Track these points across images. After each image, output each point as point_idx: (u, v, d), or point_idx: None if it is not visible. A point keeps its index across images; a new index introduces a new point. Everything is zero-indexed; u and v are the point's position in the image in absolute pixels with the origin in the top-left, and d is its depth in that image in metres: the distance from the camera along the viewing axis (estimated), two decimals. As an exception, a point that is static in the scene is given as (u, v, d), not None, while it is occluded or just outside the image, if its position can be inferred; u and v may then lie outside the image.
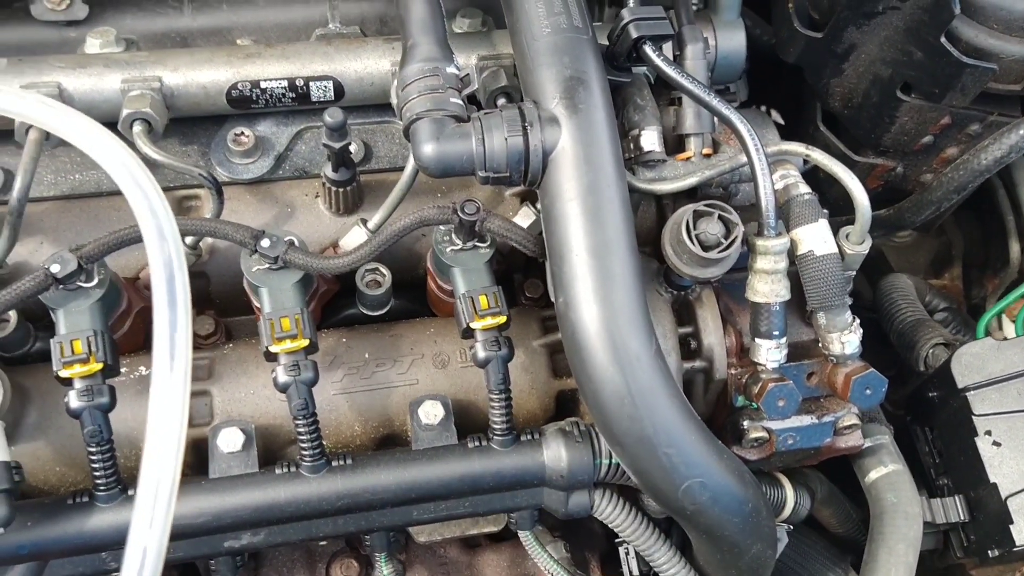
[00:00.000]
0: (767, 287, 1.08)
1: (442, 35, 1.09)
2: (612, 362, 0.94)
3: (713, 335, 1.17)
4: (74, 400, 0.98)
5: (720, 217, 1.06)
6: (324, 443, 1.09)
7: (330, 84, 1.20)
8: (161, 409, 0.68)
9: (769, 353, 1.10)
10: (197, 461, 1.12)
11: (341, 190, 1.18)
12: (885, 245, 1.93)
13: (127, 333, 1.12)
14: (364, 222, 1.18)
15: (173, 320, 0.70)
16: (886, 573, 1.20)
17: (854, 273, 1.17)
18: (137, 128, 1.11)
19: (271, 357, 1.03)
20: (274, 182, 1.24)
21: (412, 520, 1.10)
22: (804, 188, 1.12)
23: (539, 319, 1.23)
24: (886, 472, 1.26)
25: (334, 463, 1.06)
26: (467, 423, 1.15)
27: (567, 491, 1.11)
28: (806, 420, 1.16)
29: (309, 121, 1.25)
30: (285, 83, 1.19)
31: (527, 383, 1.19)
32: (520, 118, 1.00)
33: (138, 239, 0.92)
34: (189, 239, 1.14)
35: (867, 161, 1.39)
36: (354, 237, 1.17)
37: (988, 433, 1.27)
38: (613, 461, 1.10)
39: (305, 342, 1.02)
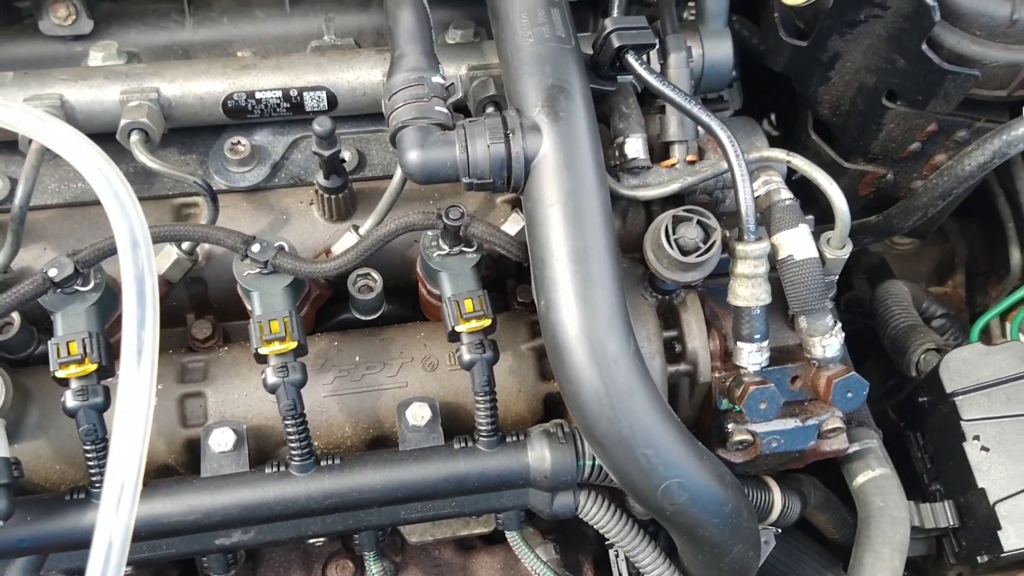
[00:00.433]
0: (748, 291, 1.09)
1: (429, 46, 1.12)
2: (591, 364, 0.96)
3: (697, 339, 1.19)
4: (70, 400, 1.01)
5: (699, 222, 1.08)
6: (315, 444, 1.12)
7: (323, 94, 1.23)
8: (127, 406, 0.71)
9: (751, 356, 1.12)
10: (192, 460, 1.15)
11: (333, 197, 1.21)
12: (888, 253, 1.93)
13: (125, 336, 1.15)
14: (356, 228, 1.21)
15: (141, 318, 0.73)
16: (872, 577, 1.21)
17: (836, 278, 1.18)
18: (135, 137, 1.15)
19: (261, 359, 1.06)
20: (270, 190, 1.27)
21: (400, 519, 1.13)
22: (786, 194, 1.14)
23: (528, 323, 1.25)
24: (873, 476, 1.27)
25: (323, 463, 1.09)
26: (455, 425, 1.17)
27: (551, 492, 1.13)
28: (790, 423, 1.17)
29: (304, 130, 1.28)
30: (280, 93, 1.22)
31: (515, 386, 1.21)
32: (502, 126, 1.03)
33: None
34: (186, 245, 1.18)
35: (857, 168, 1.40)
36: (345, 242, 1.20)
37: (976, 438, 1.28)
38: (596, 463, 1.11)
39: (293, 344, 1.05)
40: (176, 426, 1.14)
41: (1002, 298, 1.80)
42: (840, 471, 1.33)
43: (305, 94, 1.23)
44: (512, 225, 1.24)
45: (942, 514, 1.31)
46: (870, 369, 1.80)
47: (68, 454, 1.12)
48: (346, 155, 1.25)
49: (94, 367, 1.01)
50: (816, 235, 1.15)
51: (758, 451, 1.17)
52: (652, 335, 1.18)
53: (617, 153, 1.21)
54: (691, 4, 1.43)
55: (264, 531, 1.09)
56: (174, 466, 1.15)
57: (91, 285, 1.06)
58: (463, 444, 1.11)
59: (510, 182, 1.04)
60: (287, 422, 1.05)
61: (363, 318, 1.24)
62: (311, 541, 1.24)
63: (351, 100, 1.25)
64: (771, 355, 1.15)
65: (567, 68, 1.06)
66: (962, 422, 1.28)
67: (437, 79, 1.09)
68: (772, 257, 1.11)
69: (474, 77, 1.25)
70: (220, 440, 1.09)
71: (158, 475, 1.13)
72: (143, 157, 1.14)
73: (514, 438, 1.13)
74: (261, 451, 1.15)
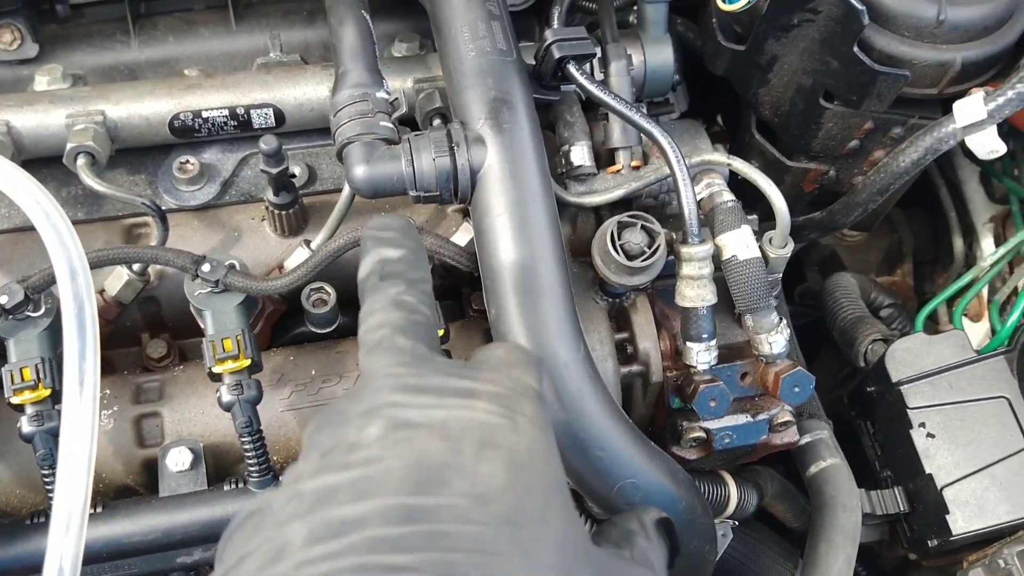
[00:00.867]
0: (694, 292, 1.12)
1: (372, 61, 1.13)
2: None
3: (648, 340, 1.21)
4: (26, 425, 1.02)
5: (643, 227, 1.10)
6: (274, 458, 1.13)
7: (271, 111, 1.24)
8: (71, 435, 0.72)
9: (699, 356, 1.14)
10: (150, 481, 1.15)
11: (284, 213, 1.22)
12: (839, 245, 1.97)
13: (79, 359, 1.15)
14: (307, 243, 1.22)
15: (82, 350, 0.74)
16: (826, 565, 1.24)
17: (780, 276, 1.21)
18: (81, 161, 1.15)
19: (215, 378, 1.07)
20: (221, 207, 1.28)
21: (361, 530, 1.14)
22: (728, 196, 1.17)
23: (482, 331, 1.27)
24: (825, 466, 1.30)
25: (281, 478, 1.10)
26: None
27: (510, 496, 1.15)
28: (741, 419, 1.19)
29: (254, 147, 1.28)
30: (226, 112, 1.23)
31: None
32: (447, 139, 1.04)
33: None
34: (137, 266, 1.18)
35: (800, 166, 1.43)
36: (297, 258, 1.21)
37: (922, 425, 1.31)
38: (553, 465, 1.13)
39: (247, 362, 1.06)
40: (133, 447, 1.14)
41: (948, 285, 1.85)
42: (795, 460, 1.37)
43: (252, 112, 1.24)
44: (464, 234, 1.25)
45: (892, 500, 1.35)
46: (824, 359, 1.84)
47: (28, 478, 1.12)
48: (296, 170, 1.26)
49: (48, 392, 1.02)
50: (759, 234, 1.18)
51: (712, 447, 1.19)
52: (604, 338, 1.20)
53: (563, 161, 1.23)
54: (635, 9, 1.46)
55: (225, 548, 1.09)
56: (133, 486, 1.15)
57: (42, 310, 1.06)
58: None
59: (457, 194, 1.06)
60: (243, 439, 1.06)
61: (318, 331, 1.25)
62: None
63: (299, 116, 1.26)
64: (720, 352, 1.17)
65: (509, 80, 1.08)
66: (908, 410, 1.32)
67: (381, 94, 1.10)
68: (717, 258, 1.14)
69: (420, 90, 1.26)
70: (177, 459, 1.10)
71: (117, 496, 1.14)
72: (90, 180, 1.14)
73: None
74: (220, 468, 1.16)
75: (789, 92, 1.32)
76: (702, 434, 1.19)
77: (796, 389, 1.15)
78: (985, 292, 1.69)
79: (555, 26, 1.25)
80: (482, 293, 1.33)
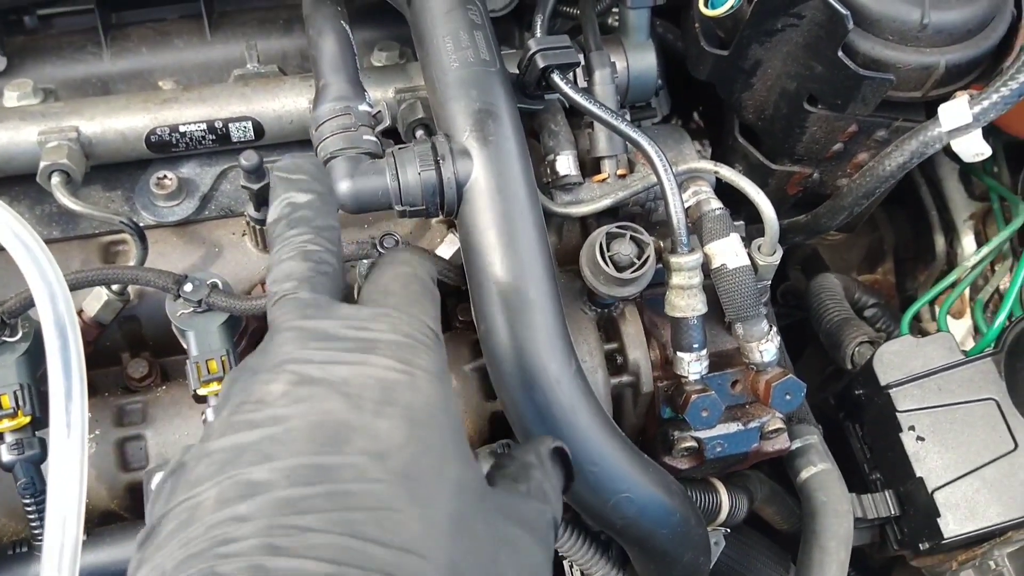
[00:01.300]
0: (683, 302, 1.11)
1: (353, 73, 1.11)
2: (533, 385, 0.97)
3: (638, 350, 1.20)
4: (5, 454, 0.99)
5: (632, 238, 1.09)
6: (261, 479, 1.11)
7: (249, 124, 1.22)
8: (60, 474, 0.70)
9: (690, 365, 1.14)
10: (135, 504, 1.13)
11: (265, 228, 1.19)
12: (820, 244, 1.98)
13: (58, 382, 1.12)
14: (290, 258, 1.19)
15: (68, 389, 0.72)
16: (820, 571, 1.24)
17: (769, 283, 1.21)
18: (56, 179, 1.12)
19: (200, 399, 1.05)
20: (200, 223, 1.25)
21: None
22: (716, 204, 1.16)
23: (469, 343, 1.25)
24: (816, 472, 1.30)
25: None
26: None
27: (502, 512, 1.13)
28: (733, 427, 1.19)
29: (232, 161, 1.26)
30: (204, 126, 1.20)
31: (460, 407, 1.21)
32: (432, 152, 1.02)
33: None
34: (116, 285, 1.15)
35: (784, 169, 1.43)
36: (279, 274, 1.18)
37: (912, 428, 1.31)
38: (545, 480, 1.12)
39: (232, 383, 1.03)
40: (116, 471, 1.12)
41: (929, 283, 1.86)
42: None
43: (231, 125, 1.21)
44: (448, 246, 1.23)
45: (883, 504, 1.35)
46: (809, 359, 1.84)
47: (8, 506, 1.09)
48: (276, 184, 1.24)
49: (27, 419, 0.99)
50: (747, 241, 1.18)
51: (703, 456, 1.19)
52: (593, 349, 1.19)
53: (549, 171, 1.21)
54: (615, 12, 1.45)
55: (214, 573, 1.07)
56: (117, 511, 1.13)
57: (19, 335, 1.03)
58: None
59: (443, 207, 1.04)
60: (231, 462, 1.04)
61: (303, 347, 1.23)
62: None
63: (278, 128, 1.24)
64: (710, 360, 1.17)
65: (493, 91, 1.06)
66: (897, 413, 1.32)
67: (364, 107, 1.08)
68: (706, 266, 1.13)
69: (402, 100, 1.24)
70: (163, 484, 1.07)
71: (102, 522, 1.11)
72: (65, 200, 1.11)
73: (462, 461, 1.13)
74: (206, 491, 1.14)
75: (773, 96, 1.31)
76: (694, 444, 1.18)
77: (787, 397, 1.15)
78: (967, 290, 1.70)
79: (538, 34, 1.23)
80: (468, 304, 1.32)
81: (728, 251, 1.12)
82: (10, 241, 0.75)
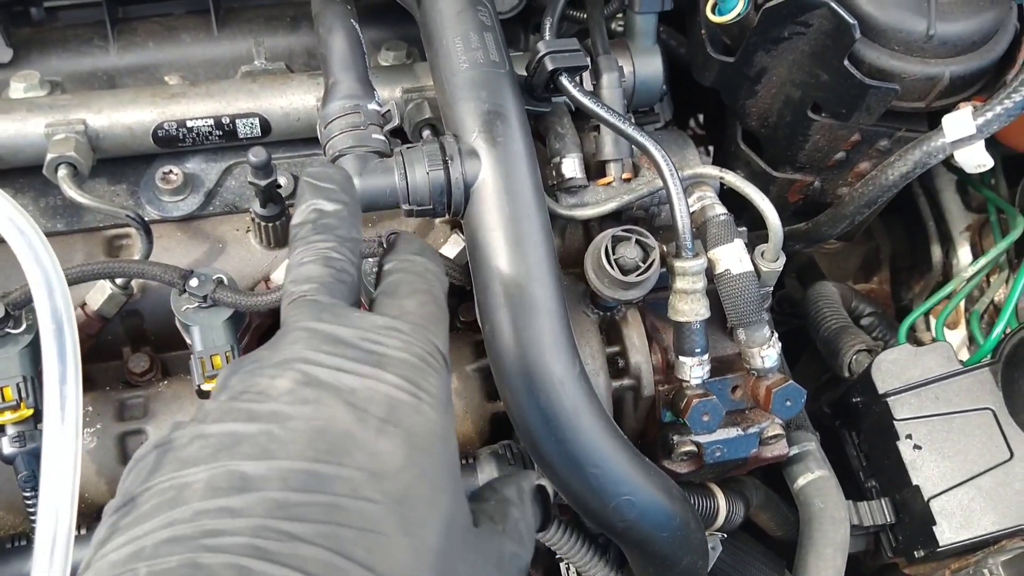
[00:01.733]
0: (687, 306, 1.12)
1: (363, 72, 1.12)
2: (537, 387, 0.97)
3: (640, 353, 1.20)
4: (6, 447, 0.99)
5: (637, 241, 1.10)
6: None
7: (256, 121, 1.22)
8: (54, 462, 0.70)
9: (692, 370, 1.14)
10: (135, 500, 1.13)
11: (271, 225, 1.19)
12: (817, 252, 1.99)
13: (60, 375, 1.12)
14: (295, 256, 1.20)
15: (63, 374, 0.71)
16: (815, 577, 1.25)
17: (771, 289, 1.21)
18: (62, 172, 1.12)
19: (203, 395, 1.05)
20: (205, 218, 1.25)
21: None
22: (720, 209, 1.17)
23: (472, 343, 1.26)
24: (813, 478, 1.31)
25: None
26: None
27: (502, 512, 1.14)
28: (732, 432, 1.19)
29: (237, 157, 1.26)
30: (211, 121, 1.20)
31: (461, 407, 1.21)
32: (441, 152, 1.03)
33: (72, 281, 0.94)
34: (120, 279, 1.15)
35: (786, 177, 1.43)
36: (284, 271, 1.18)
37: (909, 437, 1.32)
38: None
39: (236, 379, 1.03)
40: (117, 465, 1.11)
41: (925, 293, 1.87)
42: (779, 471, 1.37)
43: (238, 121, 1.21)
44: (452, 246, 1.24)
45: (879, 511, 1.35)
46: (804, 365, 1.85)
47: (7, 499, 1.09)
48: (282, 181, 1.24)
49: (30, 412, 0.99)
50: (750, 247, 1.18)
51: (702, 461, 1.19)
52: (595, 352, 1.19)
53: (554, 173, 1.22)
54: (620, 17, 1.46)
55: (213, 568, 1.07)
56: (117, 506, 1.13)
57: (23, 327, 1.03)
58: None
59: (450, 208, 1.04)
60: (233, 458, 1.04)
61: (305, 345, 1.23)
62: None
63: (285, 126, 1.24)
64: (711, 366, 1.17)
65: (502, 93, 1.06)
66: (895, 422, 1.32)
67: (373, 106, 1.09)
68: (709, 271, 1.14)
69: (409, 100, 1.25)
70: (164, 479, 1.07)
71: (100, 517, 1.11)
72: (72, 192, 1.11)
73: (463, 461, 1.13)
74: (206, 486, 1.13)
75: (777, 104, 1.32)
76: (693, 448, 1.19)
77: (788, 403, 1.15)
78: (963, 301, 1.72)
79: (547, 37, 1.24)
80: (470, 304, 1.33)
81: (732, 256, 1.13)
82: (7, 228, 0.75)
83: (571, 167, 1.20)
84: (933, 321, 1.74)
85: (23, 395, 0.99)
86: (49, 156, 1.12)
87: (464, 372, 1.22)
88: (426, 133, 1.22)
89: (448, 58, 1.08)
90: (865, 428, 1.41)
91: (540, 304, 0.99)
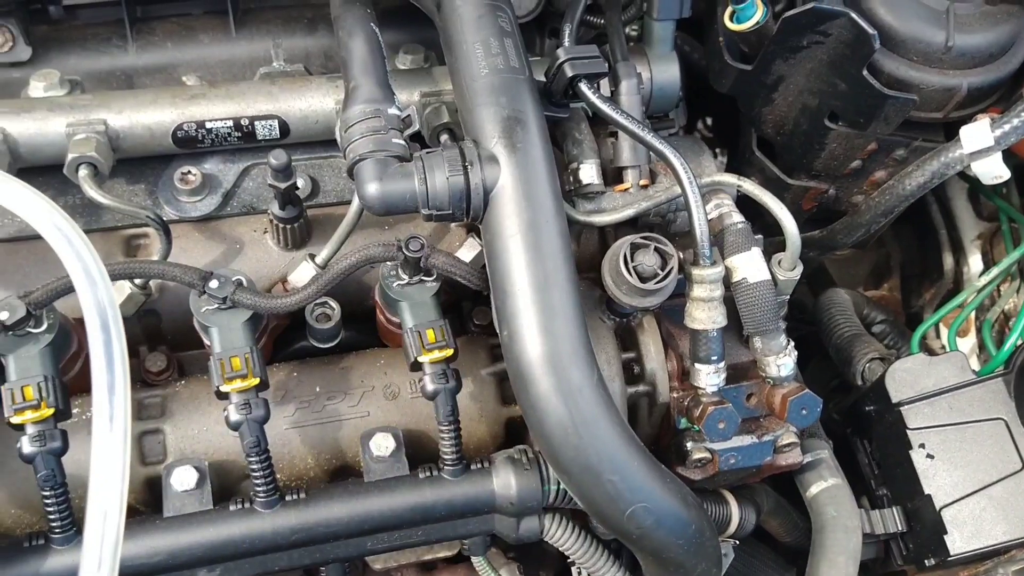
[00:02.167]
0: (704, 314, 1.12)
1: (383, 76, 1.12)
2: (555, 393, 0.97)
3: (655, 360, 1.21)
4: (27, 446, 0.99)
5: (656, 249, 1.10)
6: (278, 477, 1.11)
7: (275, 123, 1.22)
8: (103, 469, 0.70)
9: (708, 377, 1.14)
10: (152, 499, 1.13)
11: (289, 226, 1.20)
12: (827, 258, 1.99)
13: (78, 374, 1.12)
14: (312, 257, 1.20)
15: (111, 383, 0.72)
16: (828, 585, 1.25)
17: (788, 297, 1.22)
18: (83, 172, 1.12)
19: (222, 396, 1.05)
20: (222, 219, 1.25)
21: (366, 551, 1.12)
22: (738, 217, 1.17)
23: (487, 347, 1.26)
24: (826, 486, 1.31)
25: (287, 497, 1.08)
26: (419, 452, 1.17)
27: (517, 517, 1.14)
28: (747, 440, 1.19)
29: (256, 158, 1.27)
30: (231, 123, 1.20)
31: (476, 411, 1.21)
32: (461, 157, 1.03)
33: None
34: (139, 279, 1.15)
35: (800, 184, 1.44)
36: (302, 273, 1.19)
37: (922, 446, 1.32)
38: (561, 487, 1.13)
39: (255, 380, 1.04)
40: (136, 465, 1.12)
41: (935, 301, 1.87)
42: (789, 477, 1.37)
43: (257, 123, 1.22)
44: (468, 250, 1.24)
45: (891, 520, 1.35)
46: (813, 372, 1.85)
47: (24, 498, 1.10)
48: (299, 182, 1.24)
49: (51, 411, 0.99)
50: (767, 256, 1.18)
51: (716, 468, 1.19)
52: (611, 358, 1.20)
53: (572, 179, 1.22)
54: (634, 28, 1.46)
55: (230, 568, 1.08)
56: (135, 505, 1.13)
57: (44, 326, 1.04)
58: (428, 473, 1.12)
59: (469, 213, 1.05)
60: (251, 459, 1.04)
61: (321, 346, 1.24)
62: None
63: (303, 128, 1.24)
64: (727, 373, 1.17)
65: (522, 99, 1.06)
66: (908, 431, 1.33)
67: (393, 111, 1.09)
68: (726, 279, 1.14)
69: (427, 104, 1.25)
70: (182, 479, 1.07)
71: (117, 516, 1.11)
72: (93, 192, 1.11)
73: (479, 465, 1.13)
74: (223, 487, 1.14)
75: (794, 112, 1.32)
76: (707, 455, 1.19)
77: (804, 412, 1.15)
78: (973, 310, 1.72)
79: (566, 43, 1.24)
80: (485, 308, 1.33)
81: (749, 265, 1.13)
82: (53, 235, 0.75)
83: (589, 173, 1.20)
84: (943, 329, 1.75)
85: (44, 394, 0.99)
86: (70, 156, 1.13)
87: (479, 376, 1.23)
88: (444, 138, 1.22)
89: (468, 63, 1.08)
90: (877, 436, 1.41)
91: (558, 310, 0.99)
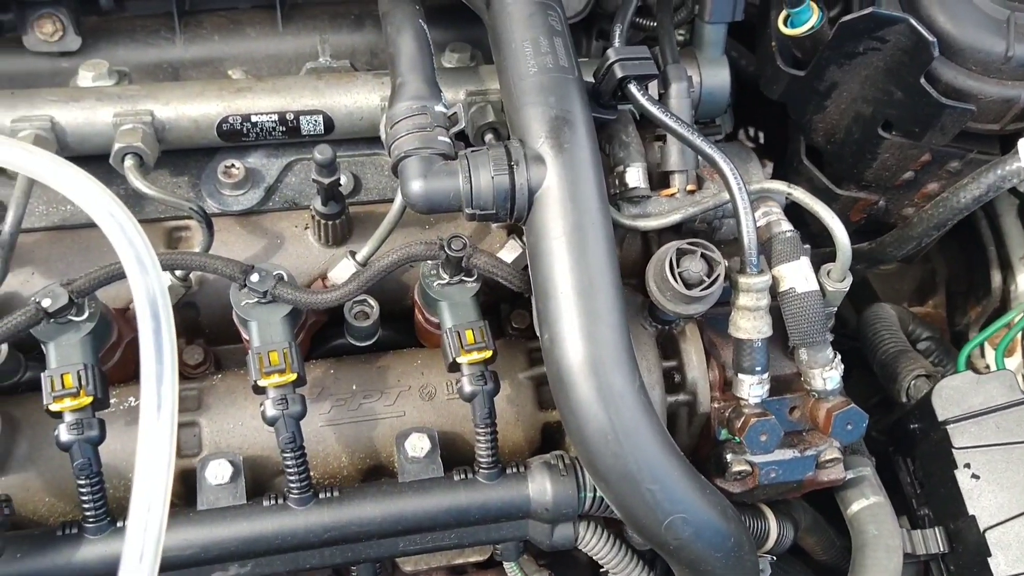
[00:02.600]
0: (749, 324, 1.09)
1: (430, 73, 1.11)
2: (596, 399, 0.96)
3: (696, 369, 1.19)
4: (64, 433, 0.99)
5: (703, 255, 1.07)
6: (312, 474, 1.10)
7: (320, 118, 1.22)
8: (149, 459, 0.70)
9: (751, 388, 1.12)
10: (185, 491, 1.13)
11: (330, 222, 1.19)
12: (870, 272, 1.95)
13: (117, 364, 1.13)
14: (353, 254, 1.19)
15: (160, 373, 0.71)
16: (867, 604, 1.22)
17: (835, 309, 1.19)
18: (129, 162, 1.13)
19: (259, 391, 1.04)
20: (264, 214, 1.25)
21: (398, 552, 1.11)
22: (786, 225, 1.14)
23: (526, 351, 1.24)
24: (868, 504, 1.28)
25: (321, 495, 1.07)
26: (453, 454, 1.16)
27: (552, 523, 1.12)
28: (788, 454, 1.17)
29: (299, 153, 1.26)
30: (276, 117, 1.20)
31: (513, 415, 1.20)
32: (506, 157, 1.02)
33: (128, 274, 0.94)
34: (180, 271, 1.15)
35: (850, 195, 1.41)
36: (343, 270, 1.18)
37: (967, 466, 1.29)
38: (597, 494, 1.11)
39: (293, 376, 1.03)
40: (170, 457, 1.12)
41: (982, 319, 1.83)
42: (828, 493, 1.34)
43: (302, 118, 1.21)
44: (509, 252, 1.23)
45: (933, 540, 1.32)
46: (854, 386, 1.80)
47: (59, 487, 1.10)
48: (342, 179, 1.23)
49: (89, 400, 0.99)
50: (816, 266, 1.16)
51: (756, 481, 1.17)
52: (652, 365, 1.18)
53: (617, 182, 1.20)
54: (681, 33, 1.44)
55: (262, 564, 1.07)
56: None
57: (85, 315, 1.04)
58: (463, 476, 1.10)
59: (513, 213, 1.03)
60: (286, 455, 1.04)
61: (358, 344, 1.23)
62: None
63: (348, 124, 1.24)
64: (770, 385, 1.15)
65: (571, 98, 1.05)
66: (953, 450, 1.29)
67: (440, 108, 1.08)
68: (773, 289, 1.12)
69: (472, 103, 1.24)
70: (217, 472, 1.07)
71: (151, 507, 1.11)
72: (138, 183, 1.12)
73: (514, 470, 1.12)
74: (257, 482, 1.13)
75: (846, 120, 1.30)
76: (747, 467, 1.16)
77: (849, 427, 1.13)
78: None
79: (617, 44, 1.22)
80: (523, 311, 1.32)
81: (798, 274, 1.10)
82: (107, 222, 0.75)
83: (635, 176, 1.19)
84: (989, 349, 1.70)
85: (83, 382, 0.99)
86: (116, 146, 1.13)
87: (517, 379, 1.21)
88: (489, 137, 1.21)
89: (516, 61, 1.07)
90: (921, 455, 1.38)
91: (602, 315, 0.97)
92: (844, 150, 1.34)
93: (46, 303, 0.99)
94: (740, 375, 1.12)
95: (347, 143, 1.27)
